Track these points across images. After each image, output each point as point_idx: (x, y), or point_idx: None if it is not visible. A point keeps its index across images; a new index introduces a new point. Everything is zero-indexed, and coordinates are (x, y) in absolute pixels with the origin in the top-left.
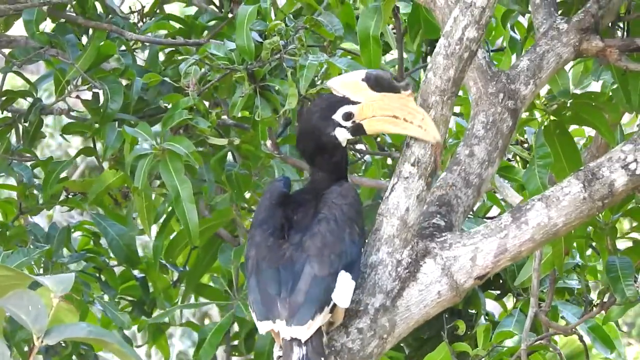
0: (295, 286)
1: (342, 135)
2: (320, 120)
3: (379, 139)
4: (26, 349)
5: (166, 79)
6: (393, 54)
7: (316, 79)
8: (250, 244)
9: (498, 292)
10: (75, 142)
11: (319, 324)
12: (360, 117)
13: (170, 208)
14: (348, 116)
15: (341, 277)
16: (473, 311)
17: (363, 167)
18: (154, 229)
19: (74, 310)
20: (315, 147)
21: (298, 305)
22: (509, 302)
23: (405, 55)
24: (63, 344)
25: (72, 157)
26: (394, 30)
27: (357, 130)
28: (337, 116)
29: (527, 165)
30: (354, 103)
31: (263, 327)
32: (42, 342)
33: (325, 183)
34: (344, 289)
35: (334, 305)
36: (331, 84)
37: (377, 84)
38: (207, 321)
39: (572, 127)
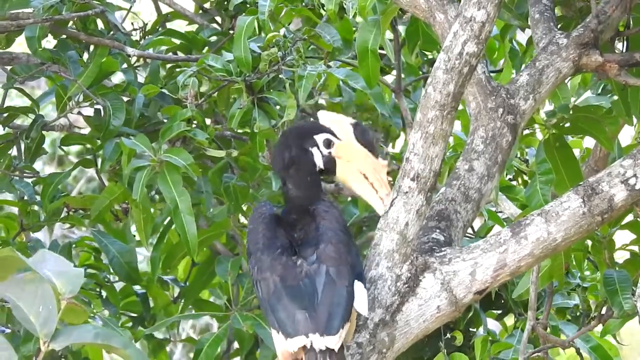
0: (321, 298)
1: (317, 158)
2: (302, 132)
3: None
4: None
5: (165, 90)
6: (393, 75)
7: (314, 90)
8: (261, 267)
9: (499, 311)
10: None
11: (345, 333)
12: (337, 153)
13: (168, 220)
14: (328, 144)
15: (357, 286)
16: (474, 330)
17: None
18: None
19: (83, 310)
20: (289, 158)
21: (327, 316)
22: (510, 321)
23: (403, 76)
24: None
25: (70, 169)
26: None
27: (329, 163)
28: (319, 138)
29: (528, 180)
30: (337, 137)
31: (295, 343)
32: (48, 346)
33: (303, 202)
34: (361, 297)
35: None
36: (321, 115)
37: (361, 137)
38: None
39: (570, 140)
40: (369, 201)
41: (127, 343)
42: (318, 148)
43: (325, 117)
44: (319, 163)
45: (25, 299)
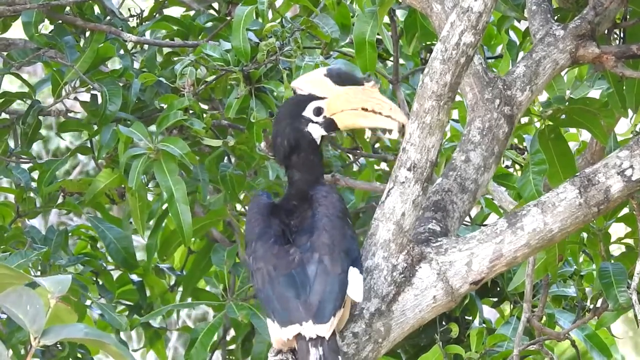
0: (313, 286)
1: (316, 131)
2: (290, 118)
3: (377, 144)
4: (23, 352)
5: (162, 79)
6: (391, 61)
7: None
8: (255, 257)
9: (495, 299)
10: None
11: (337, 321)
12: (330, 112)
13: (164, 207)
14: (318, 111)
15: (351, 273)
16: (470, 318)
17: (357, 169)
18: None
19: (72, 311)
20: (289, 146)
21: (318, 304)
22: (507, 308)
23: (402, 62)
24: (59, 347)
25: (67, 155)
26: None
27: (330, 126)
28: (308, 112)
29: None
30: (320, 98)
31: (289, 332)
32: (39, 342)
33: (305, 186)
34: (356, 283)
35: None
36: (295, 84)
37: (340, 79)
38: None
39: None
40: (381, 126)
41: (117, 342)
42: (312, 122)
43: (301, 83)
44: (319, 134)
45: (12, 302)
